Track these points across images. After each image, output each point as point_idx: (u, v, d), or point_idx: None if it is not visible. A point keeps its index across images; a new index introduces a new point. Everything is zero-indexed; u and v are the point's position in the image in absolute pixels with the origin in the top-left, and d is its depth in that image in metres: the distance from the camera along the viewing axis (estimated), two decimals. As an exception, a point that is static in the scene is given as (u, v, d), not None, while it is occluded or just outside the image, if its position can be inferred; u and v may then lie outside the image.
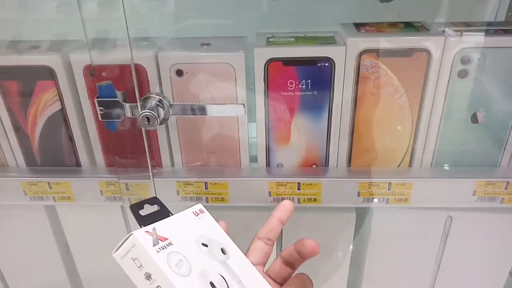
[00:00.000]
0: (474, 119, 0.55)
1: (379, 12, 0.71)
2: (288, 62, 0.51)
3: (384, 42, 0.51)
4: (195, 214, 0.37)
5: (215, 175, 0.58)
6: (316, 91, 0.53)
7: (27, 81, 0.54)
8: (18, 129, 0.58)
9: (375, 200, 0.58)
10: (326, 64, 0.51)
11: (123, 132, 0.55)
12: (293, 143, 0.57)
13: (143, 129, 0.51)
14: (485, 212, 0.59)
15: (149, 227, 0.32)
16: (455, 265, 0.66)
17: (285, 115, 0.55)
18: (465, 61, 0.51)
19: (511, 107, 0.54)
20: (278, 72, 0.52)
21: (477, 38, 0.51)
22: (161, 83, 0.53)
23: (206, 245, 0.34)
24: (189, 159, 0.59)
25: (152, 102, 0.50)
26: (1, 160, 0.61)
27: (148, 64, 0.52)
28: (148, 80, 0.53)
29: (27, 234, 0.68)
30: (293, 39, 0.54)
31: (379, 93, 0.53)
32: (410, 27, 0.55)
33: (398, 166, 0.58)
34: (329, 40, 0.53)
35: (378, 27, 0.55)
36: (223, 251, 0.35)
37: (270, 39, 0.54)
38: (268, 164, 0.59)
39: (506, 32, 0.52)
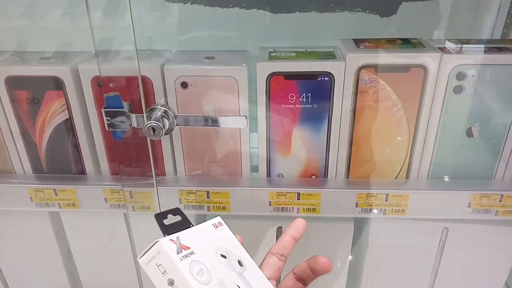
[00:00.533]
0: (469, 133, 0.56)
1: (379, 27, 0.73)
2: (289, 76, 0.53)
3: (382, 58, 0.53)
4: (214, 226, 0.38)
5: (217, 184, 0.59)
6: (316, 104, 0.55)
7: (36, 90, 0.56)
8: (26, 137, 0.60)
9: (373, 210, 0.59)
10: (326, 78, 0.53)
11: (128, 141, 0.56)
12: (293, 154, 0.58)
13: (148, 138, 0.53)
14: (480, 224, 0.61)
15: (173, 236, 0.34)
16: (451, 276, 0.67)
17: (285, 127, 0.56)
18: (460, 77, 0.53)
19: (505, 122, 0.56)
20: (279, 86, 0.54)
21: (472, 55, 0.53)
22: (166, 95, 0.55)
23: (224, 256, 0.36)
24: (192, 168, 0.61)
25: (158, 113, 0.52)
26: (9, 167, 0.62)
27: (154, 76, 0.54)
28: (153, 92, 0.55)
29: (30, 239, 0.69)
30: (294, 54, 0.55)
31: (377, 106, 0.55)
32: (407, 43, 0.56)
33: (395, 178, 0.60)
34: (329, 55, 0.55)
35: (377, 43, 0.56)
36: (240, 263, 0.36)
37: (272, 54, 0.56)
38: (268, 174, 0.60)
39: (500, 49, 0.54)
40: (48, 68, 0.55)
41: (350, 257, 0.66)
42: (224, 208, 0.60)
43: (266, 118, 0.56)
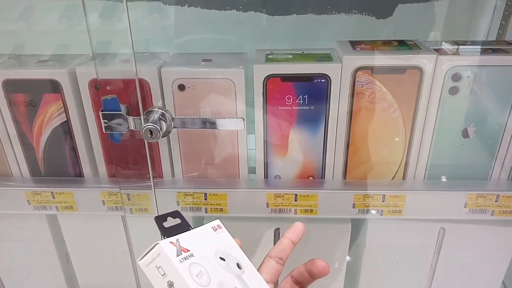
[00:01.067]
0: (465, 134, 0.57)
1: (375, 29, 0.73)
2: (286, 78, 0.53)
3: (379, 59, 0.53)
4: (214, 229, 0.39)
5: (214, 186, 0.59)
6: (313, 106, 0.55)
7: (33, 93, 0.56)
8: (24, 139, 0.60)
9: (370, 211, 0.59)
10: (323, 80, 0.53)
11: (126, 144, 0.56)
12: (291, 156, 0.59)
13: (145, 141, 0.53)
14: (476, 224, 0.61)
15: (173, 239, 0.34)
16: (448, 276, 0.67)
17: (282, 128, 0.57)
18: (456, 78, 0.54)
19: (500, 122, 0.56)
20: (276, 88, 0.54)
21: (467, 57, 0.53)
22: (164, 97, 0.55)
23: (223, 259, 0.36)
24: (190, 170, 0.61)
25: (155, 116, 0.52)
26: (6, 169, 0.62)
27: (151, 78, 0.54)
28: (151, 94, 0.55)
29: (27, 242, 0.69)
30: (291, 56, 0.56)
31: (374, 108, 0.55)
32: (403, 45, 0.57)
33: (392, 179, 0.60)
34: (326, 57, 0.55)
35: (373, 45, 0.57)
36: (238, 266, 0.37)
37: (269, 56, 0.56)
38: (266, 175, 0.61)
39: (495, 51, 0.55)
40: (45, 71, 0.55)
41: (347, 258, 0.66)
42: (221, 210, 0.60)
43: (263, 120, 0.56)
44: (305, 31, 0.74)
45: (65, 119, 0.58)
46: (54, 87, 0.56)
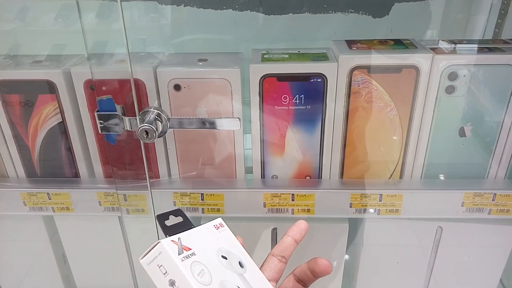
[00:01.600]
0: (462, 132, 0.57)
1: (372, 28, 0.73)
2: (282, 77, 0.53)
3: (375, 59, 0.53)
4: (215, 227, 0.39)
5: (211, 186, 0.59)
6: (309, 106, 0.55)
7: (29, 94, 0.56)
8: (19, 140, 0.59)
9: (367, 211, 0.59)
10: (319, 79, 0.53)
11: (122, 144, 0.56)
12: (288, 155, 0.59)
13: (141, 141, 0.53)
14: (474, 223, 0.61)
15: (175, 237, 0.34)
16: (446, 274, 0.67)
17: (279, 128, 0.57)
18: (452, 77, 0.54)
19: (497, 121, 0.56)
20: (272, 87, 0.54)
21: (464, 56, 0.53)
22: (160, 97, 0.55)
23: (225, 258, 0.36)
24: (186, 171, 0.61)
25: (151, 116, 0.52)
26: (1, 171, 0.62)
27: (147, 79, 0.54)
28: (146, 94, 0.55)
29: (24, 244, 0.69)
30: (287, 56, 0.56)
31: (370, 107, 0.55)
32: (399, 44, 0.57)
33: (389, 178, 0.60)
34: (322, 57, 0.55)
35: (369, 44, 0.57)
36: (240, 264, 0.37)
37: (265, 56, 0.56)
38: (263, 175, 0.60)
39: (491, 50, 0.55)
40: (40, 72, 0.55)
41: (345, 257, 0.66)
42: (218, 210, 0.60)
43: (260, 120, 0.56)
44: (302, 30, 0.74)
45: (61, 120, 0.58)
46: (50, 87, 0.55)
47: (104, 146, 0.59)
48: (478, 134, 0.57)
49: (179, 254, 0.33)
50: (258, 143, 0.58)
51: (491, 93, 0.54)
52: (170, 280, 0.32)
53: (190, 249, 0.34)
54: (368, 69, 0.53)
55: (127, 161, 0.57)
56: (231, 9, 0.72)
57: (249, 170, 0.61)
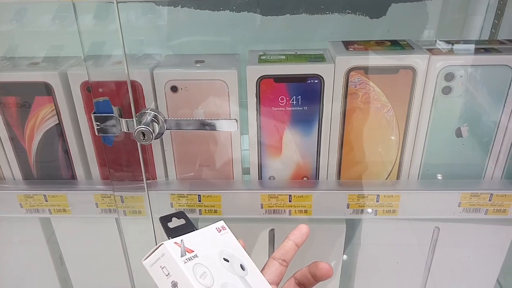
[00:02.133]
0: (458, 133, 0.57)
1: (369, 28, 0.74)
2: (279, 79, 0.53)
3: (371, 60, 0.53)
4: (218, 230, 0.39)
5: (208, 188, 0.59)
6: (306, 107, 0.55)
7: (25, 96, 0.56)
8: (15, 142, 0.59)
9: (364, 211, 0.59)
10: (316, 81, 0.53)
11: (119, 146, 0.56)
12: (285, 157, 0.59)
13: (138, 143, 0.53)
14: (470, 223, 0.61)
15: (177, 239, 0.34)
16: (444, 274, 0.67)
17: (276, 129, 0.57)
18: (449, 78, 0.54)
19: (493, 121, 0.56)
20: (269, 89, 0.54)
21: (460, 56, 0.54)
22: (156, 99, 0.55)
23: (227, 260, 0.36)
24: (183, 172, 0.61)
25: (148, 118, 0.52)
26: (-2, 173, 0.62)
27: (144, 80, 0.54)
28: (143, 96, 0.55)
29: (21, 246, 0.69)
30: (284, 57, 0.56)
31: (367, 108, 0.55)
32: (396, 45, 0.57)
33: (386, 179, 0.60)
34: (319, 58, 0.55)
35: (366, 45, 0.57)
36: (242, 267, 0.37)
37: (262, 57, 0.56)
38: (260, 176, 0.60)
39: (487, 50, 0.55)
40: (37, 74, 0.55)
41: (342, 258, 0.66)
42: (216, 211, 0.60)
43: (257, 121, 0.56)
44: (299, 31, 0.74)
45: (57, 122, 0.58)
46: (46, 89, 0.55)
47: (100, 147, 0.59)
48: (475, 135, 0.57)
49: (181, 256, 0.33)
50: (255, 144, 0.58)
51: (487, 93, 0.55)
52: (173, 281, 0.32)
53: (193, 251, 0.34)
54: (365, 70, 0.53)
55: (124, 162, 0.57)
56: (228, 10, 0.72)
57: (246, 171, 0.61)
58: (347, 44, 0.57)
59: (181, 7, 0.72)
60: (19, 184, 0.62)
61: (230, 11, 0.72)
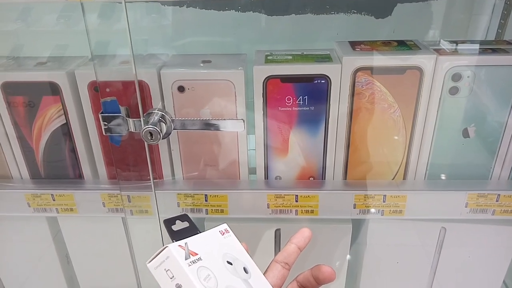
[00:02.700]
0: (465, 133, 0.57)
1: (374, 28, 0.73)
2: (286, 79, 0.53)
3: (378, 60, 0.53)
4: (221, 233, 0.39)
5: (215, 188, 0.59)
6: (313, 107, 0.55)
7: (33, 96, 0.56)
8: (23, 142, 0.60)
9: (371, 212, 0.59)
10: (323, 81, 0.53)
11: (126, 145, 0.56)
12: (291, 157, 0.59)
13: (145, 143, 0.53)
14: (477, 224, 0.61)
15: (182, 242, 0.35)
16: (450, 275, 0.67)
17: (283, 129, 0.57)
18: (456, 78, 0.54)
19: (500, 122, 0.56)
20: (276, 89, 0.54)
21: (467, 57, 0.53)
22: (163, 99, 0.55)
23: (230, 263, 0.36)
24: (190, 172, 0.61)
25: (155, 118, 0.52)
26: (6, 172, 0.62)
27: (151, 80, 0.54)
28: (150, 96, 0.55)
29: (27, 245, 0.69)
30: (290, 57, 0.56)
31: (374, 108, 0.55)
32: (403, 45, 0.57)
33: (392, 179, 0.60)
34: (326, 58, 0.55)
35: (372, 46, 0.57)
36: (245, 270, 0.37)
37: (269, 57, 0.56)
38: (266, 176, 0.61)
39: (495, 50, 0.55)
40: (44, 74, 0.55)
41: (348, 258, 0.66)
42: (222, 211, 0.60)
43: (263, 121, 0.56)
44: (304, 31, 0.74)
45: (65, 121, 0.58)
46: (53, 89, 0.56)
47: (108, 147, 0.59)
48: (482, 135, 0.57)
49: (186, 259, 0.33)
50: (261, 144, 0.58)
51: (494, 94, 0.54)
52: (177, 284, 0.32)
53: (197, 254, 0.34)
54: (371, 70, 0.53)
55: (131, 162, 0.58)
56: (233, 10, 0.72)
57: (252, 171, 0.61)
58: (354, 44, 0.57)
59: (187, 7, 0.72)
60: (27, 184, 0.62)
61: (236, 11, 0.72)
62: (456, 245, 0.64)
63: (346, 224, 0.63)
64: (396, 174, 0.60)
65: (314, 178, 0.60)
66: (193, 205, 0.60)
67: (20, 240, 0.69)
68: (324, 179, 0.60)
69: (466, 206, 0.58)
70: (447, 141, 0.57)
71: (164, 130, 0.52)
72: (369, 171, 0.60)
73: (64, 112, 0.57)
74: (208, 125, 0.52)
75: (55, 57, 0.60)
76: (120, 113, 0.52)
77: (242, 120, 0.52)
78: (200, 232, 0.38)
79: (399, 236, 0.64)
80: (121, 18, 0.48)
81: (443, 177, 0.60)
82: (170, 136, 0.57)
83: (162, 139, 0.51)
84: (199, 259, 0.34)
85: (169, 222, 0.38)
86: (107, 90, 0.52)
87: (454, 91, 0.54)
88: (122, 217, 0.64)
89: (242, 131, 0.56)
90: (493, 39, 0.73)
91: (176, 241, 0.35)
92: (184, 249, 0.34)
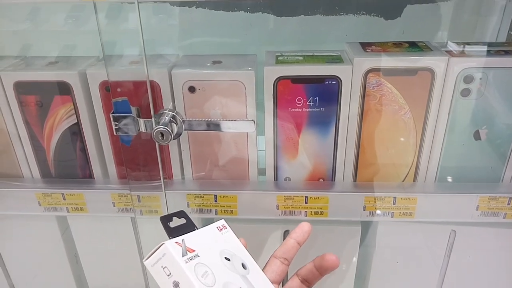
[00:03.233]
0: (477, 136, 0.56)
1: (383, 30, 0.73)
2: (297, 80, 0.53)
3: (390, 61, 0.53)
4: (218, 229, 0.39)
5: (224, 188, 0.59)
6: (323, 108, 0.55)
7: (44, 95, 0.57)
8: (34, 141, 0.60)
9: (380, 214, 0.59)
10: (333, 82, 0.53)
11: (136, 146, 0.56)
12: (301, 158, 0.59)
13: (156, 143, 0.53)
14: (488, 227, 0.60)
15: (178, 239, 0.34)
16: (459, 278, 0.67)
17: (293, 130, 0.57)
18: (468, 80, 0.53)
19: (512, 124, 0.56)
20: (286, 90, 0.54)
21: (480, 58, 0.53)
22: (174, 99, 0.55)
23: (228, 259, 0.36)
24: (199, 172, 0.61)
25: (166, 118, 0.52)
26: (17, 171, 0.63)
27: (162, 80, 0.54)
28: (161, 96, 0.55)
29: (37, 243, 0.70)
30: (301, 58, 0.56)
31: (385, 110, 0.55)
32: (414, 46, 0.56)
33: (403, 181, 0.60)
34: (336, 59, 0.55)
35: (383, 47, 0.56)
36: (243, 266, 0.37)
37: (279, 58, 0.56)
38: (276, 177, 0.60)
39: (507, 52, 0.54)
40: (56, 73, 0.56)
41: (357, 260, 0.66)
42: (231, 212, 0.60)
43: (274, 122, 0.56)
44: (313, 32, 0.74)
45: (76, 121, 0.58)
46: (65, 89, 0.56)
47: (118, 147, 0.59)
48: (493, 137, 0.56)
49: (183, 256, 0.33)
50: (271, 145, 0.58)
51: (507, 96, 0.54)
52: (174, 281, 0.32)
53: (194, 250, 0.34)
54: (383, 71, 0.53)
55: (141, 162, 0.58)
56: (242, 11, 0.72)
57: (262, 172, 0.61)
58: (365, 46, 0.57)
59: (196, 8, 0.72)
60: (38, 183, 0.62)
61: (245, 11, 0.72)
62: (466, 248, 0.63)
63: (355, 226, 0.63)
64: (406, 176, 0.60)
65: (324, 179, 0.60)
66: (203, 205, 0.60)
67: (29, 239, 0.69)
68: (334, 180, 0.60)
69: (477, 209, 0.57)
70: (458, 143, 0.57)
71: (175, 131, 0.52)
72: (379, 173, 0.59)
73: (75, 112, 0.57)
74: (219, 126, 0.52)
75: (63, 57, 0.60)
76: (131, 113, 0.52)
77: (253, 121, 0.52)
78: (197, 229, 0.37)
79: (408, 238, 0.64)
80: (132, 18, 0.48)
81: (453, 179, 0.59)
82: (180, 136, 0.57)
83: (173, 139, 0.51)
84: (197, 255, 0.34)
85: (165, 219, 0.38)
86: (118, 90, 0.52)
87: (466, 93, 0.54)
88: (131, 217, 0.64)
89: (252, 132, 0.56)
90: (504, 40, 0.72)
91: (173, 238, 0.35)
92: (181, 246, 0.34)
